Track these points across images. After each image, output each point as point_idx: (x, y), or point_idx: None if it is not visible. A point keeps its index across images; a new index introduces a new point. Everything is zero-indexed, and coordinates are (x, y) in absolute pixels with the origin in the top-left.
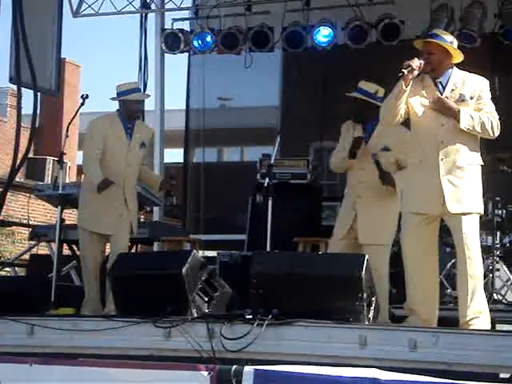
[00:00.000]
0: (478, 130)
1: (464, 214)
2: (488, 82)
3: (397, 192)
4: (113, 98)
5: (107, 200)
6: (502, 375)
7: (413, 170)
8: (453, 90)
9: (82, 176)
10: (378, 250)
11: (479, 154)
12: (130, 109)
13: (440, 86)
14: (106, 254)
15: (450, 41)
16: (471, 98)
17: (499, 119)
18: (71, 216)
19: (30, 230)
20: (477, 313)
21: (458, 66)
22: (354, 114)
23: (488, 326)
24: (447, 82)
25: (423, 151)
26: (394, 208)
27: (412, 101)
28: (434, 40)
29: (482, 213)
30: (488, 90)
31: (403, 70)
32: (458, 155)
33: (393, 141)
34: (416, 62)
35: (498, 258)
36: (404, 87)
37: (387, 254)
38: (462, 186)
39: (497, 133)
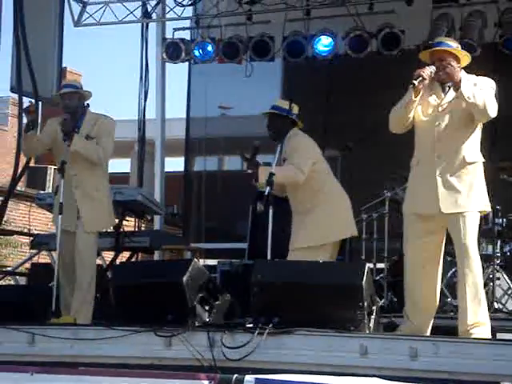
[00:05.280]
0: (479, 102)
1: (460, 213)
2: (494, 82)
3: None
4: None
5: (65, 199)
6: None
7: (412, 172)
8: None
9: None
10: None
11: (478, 151)
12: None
13: (447, 90)
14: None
15: (455, 46)
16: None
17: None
18: None
19: (31, 238)
20: (476, 322)
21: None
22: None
23: (488, 335)
24: None
25: (421, 152)
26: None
27: (419, 107)
28: (441, 47)
29: (486, 210)
30: (494, 87)
31: (413, 82)
32: (454, 154)
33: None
34: (427, 71)
35: (498, 267)
36: (413, 98)
37: None
38: (459, 185)
39: (493, 114)
